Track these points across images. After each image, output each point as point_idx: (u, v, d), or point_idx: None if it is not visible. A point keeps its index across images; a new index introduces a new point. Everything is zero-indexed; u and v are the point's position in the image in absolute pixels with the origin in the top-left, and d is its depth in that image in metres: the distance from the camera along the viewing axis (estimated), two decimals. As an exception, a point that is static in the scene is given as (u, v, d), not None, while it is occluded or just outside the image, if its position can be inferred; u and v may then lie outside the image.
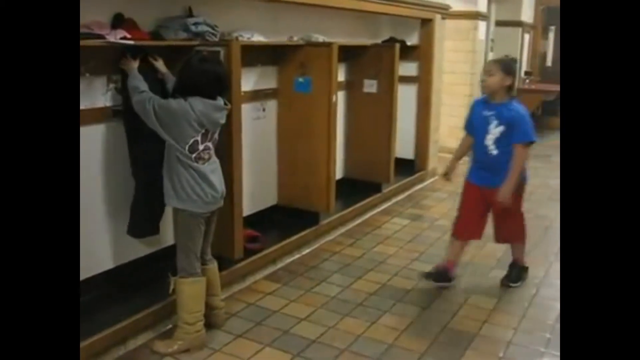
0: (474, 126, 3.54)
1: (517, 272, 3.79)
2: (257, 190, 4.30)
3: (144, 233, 3.28)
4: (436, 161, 6.77)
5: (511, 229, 3.68)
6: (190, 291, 2.81)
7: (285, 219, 4.41)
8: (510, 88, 3.39)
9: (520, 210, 3.65)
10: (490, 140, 3.40)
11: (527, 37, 10.35)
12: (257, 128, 4.25)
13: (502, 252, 4.34)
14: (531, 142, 3.36)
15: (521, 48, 10.01)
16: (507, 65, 3.39)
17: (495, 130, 3.37)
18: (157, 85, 3.06)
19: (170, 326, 3.07)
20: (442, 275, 3.70)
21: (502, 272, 3.96)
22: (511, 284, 3.74)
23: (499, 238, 3.74)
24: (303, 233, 4.14)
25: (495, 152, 3.41)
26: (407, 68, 6.18)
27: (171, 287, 2.85)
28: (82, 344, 2.63)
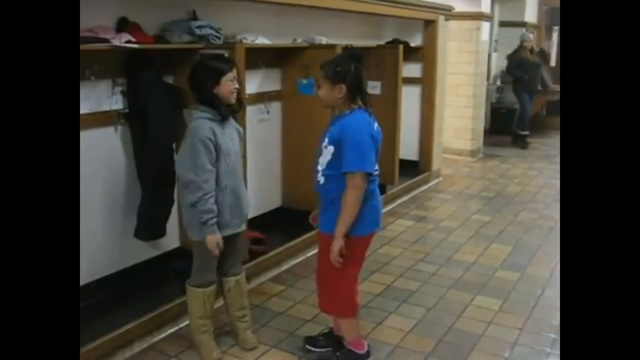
0: None
1: (342, 357, 2.82)
2: (261, 192, 4.31)
3: (151, 236, 3.30)
4: (440, 162, 6.77)
5: (327, 296, 2.74)
6: (193, 298, 2.80)
7: (290, 221, 4.40)
8: (352, 97, 2.51)
9: (343, 276, 2.63)
10: (320, 164, 2.57)
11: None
12: (262, 130, 4.27)
13: (507, 253, 4.34)
14: (364, 173, 2.44)
15: (525, 48, 9.99)
16: (333, 71, 2.48)
17: (325, 151, 2.54)
18: (172, 93, 3.07)
19: (176, 328, 3.08)
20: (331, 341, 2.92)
21: (508, 273, 3.97)
22: None
23: (320, 304, 2.80)
24: (308, 235, 4.14)
25: (322, 180, 2.57)
26: (411, 69, 6.19)
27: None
28: (89, 347, 2.65)
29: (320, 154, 2.57)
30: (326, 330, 2.97)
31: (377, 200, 2.64)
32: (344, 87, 2.47)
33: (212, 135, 2.55)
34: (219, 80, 2.59)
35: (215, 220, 2.58)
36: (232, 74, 2.62)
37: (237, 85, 2.65)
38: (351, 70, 2.49)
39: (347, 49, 2.64)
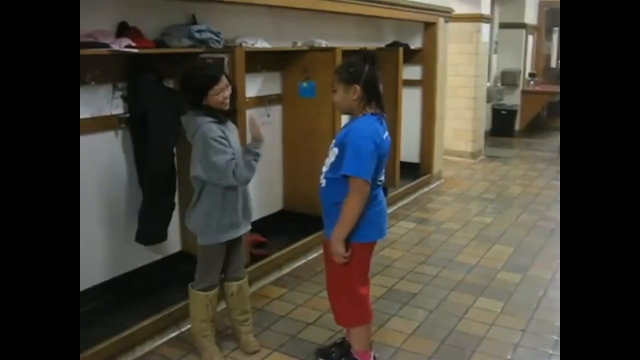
0: None
1: None
2: (262, 196, 4.31)
3: (152, 240, 3.30)
4: (441, 164, 6.77)
5: (340, 309, 2.70)
6: (195, 302, 2.79)
7: (291, 225, 4.42)
8: (368, 100, 2.44)
9: (350, 284, 2.60)
10: (325, 165, 2.53)
11: (530, 38, 10.34)
12: (262, 133, 4.27)
13: (508, 255, 4.33)
14: (363, 179, 2.37)
15: (525, 50, 10.00)
16: (347, 72, 2.44)
17: (331, 153, 2.51)
18: (172, 97, 3.08)
19: (177, 332, 3.08)
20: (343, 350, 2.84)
21: (510, 275, 3.96)
22: None
23: (335, 319, 2.77)
24: (309, 238, 4.15)
25: (323, 183, 2.53)
26: (411, 71, 6.20)
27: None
28: (91, 351, 2.64)
29: (327, 155, 2.54)
30: (339, 341, 2.93)
31: (380, 206, 2.57)
32: (358, 87, 2.41)
33: (223, 135, 2.57)
34: (206, 95, 2.57)
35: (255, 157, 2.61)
36: (218, 86, 2.57)
37: (226, 94, 2.62)
38: (365, 70, 2.43)
39: (362, 51, 2.60)
